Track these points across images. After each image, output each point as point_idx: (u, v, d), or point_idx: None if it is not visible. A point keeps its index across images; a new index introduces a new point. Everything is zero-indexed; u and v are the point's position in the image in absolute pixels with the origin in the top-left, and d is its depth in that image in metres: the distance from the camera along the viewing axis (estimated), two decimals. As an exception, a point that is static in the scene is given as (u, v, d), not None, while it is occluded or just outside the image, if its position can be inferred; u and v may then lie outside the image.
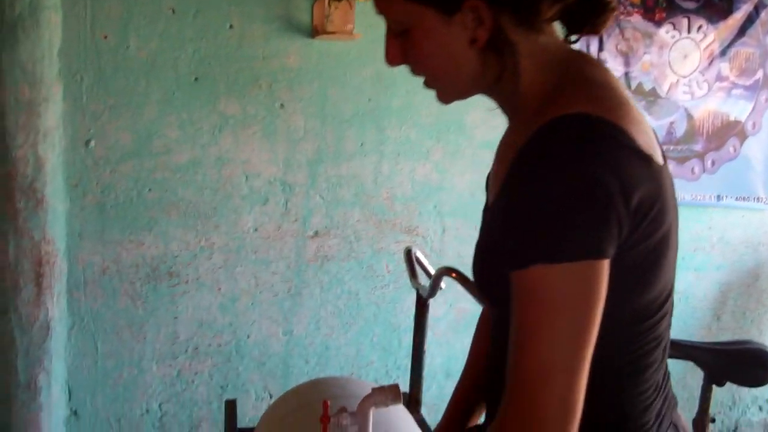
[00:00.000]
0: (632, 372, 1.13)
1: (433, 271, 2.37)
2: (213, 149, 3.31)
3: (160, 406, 3.38)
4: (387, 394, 1.48)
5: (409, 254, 2.50)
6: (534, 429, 0.97)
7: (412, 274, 2.46)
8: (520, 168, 1.03)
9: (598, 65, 1.17)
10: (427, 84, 1.23)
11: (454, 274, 2.12)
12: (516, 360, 0.99)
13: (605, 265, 0.98)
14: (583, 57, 1.17)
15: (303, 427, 1.60)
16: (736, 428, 4.36)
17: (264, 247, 3.42)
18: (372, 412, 1.50)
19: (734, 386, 4.22)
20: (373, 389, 1.48)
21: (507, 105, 1.21)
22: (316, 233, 3.48)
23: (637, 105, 3.81)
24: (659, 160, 1.09)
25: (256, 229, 3.40)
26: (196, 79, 3.25)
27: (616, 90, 1.11)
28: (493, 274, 1.12)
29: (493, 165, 1.27)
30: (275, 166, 3.39)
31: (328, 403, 1.47)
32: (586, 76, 1.11)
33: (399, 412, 1.77)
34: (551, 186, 0.97)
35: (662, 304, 1.13)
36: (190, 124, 3.26)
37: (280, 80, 3.36)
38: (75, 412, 3.29)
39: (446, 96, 1.24)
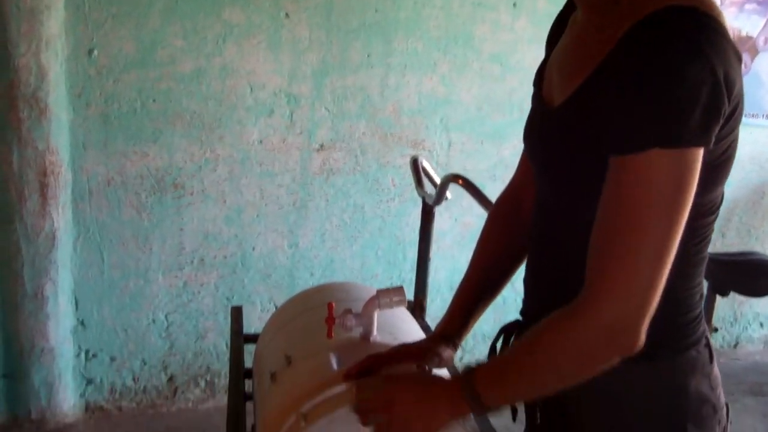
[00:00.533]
0: (693, 264, 1.18)
1: (438, 181, 2.36)
2: (217, 59, 3.26)
3: (166, 316, 3.41)
4: (392, 295, 1.49)
5: (415, 163, 2.48)
6: (621, 308, 1.00)
7: (419, 183, 2.45)
8: (633, 55, 1.02)
9: None
10: None
11: (460, 181, 2.10)
12: (615, 242, 1.01)
13: (701, 153, 1.01)
14: None
15: (309, 329, 1.62)
16: (737, 343, 4.41)
17: (269, 160, 3.40)
18: (377, 314, 1.51)
19: (736, 303, 4.26)
20: (378, 291, 1.49)
21: None
22: (322, 146, 3.45)
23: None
24: None
25: (261, 141, 3.37)
26: (199, -15, 3.19)
27: None
28: (572, 163, 1.14)
29: (563, 58, 1.24)
30: (280, 77, 3.35)
31: (333, 304, 1.48)
32: None
33: (404, 315, 1.78)
34: (671, 73, 0.98)
35: (720, 202, 1.19)
36: (194, 33, 3.20)
37: (286, -11, 3.29)
38: (82, 322, 3.32)
39: None
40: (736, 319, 4.37)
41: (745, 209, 4.23)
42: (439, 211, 2.57)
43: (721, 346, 4.35)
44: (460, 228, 3.63)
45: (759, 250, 4.20)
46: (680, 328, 1.19)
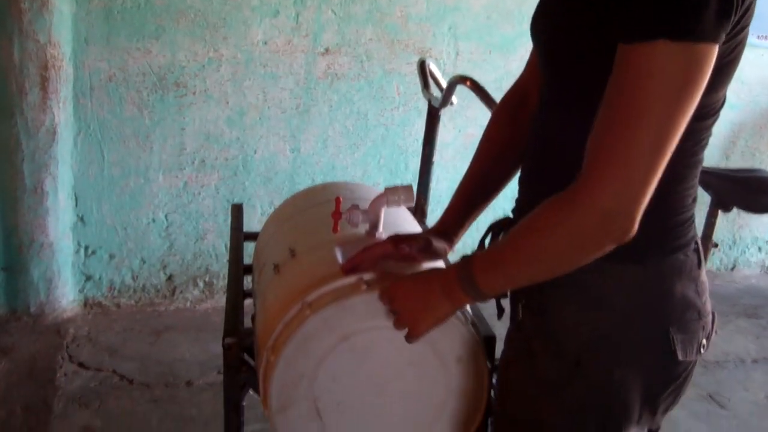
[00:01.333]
0: (688, 165, 1.16)
1: (445, 84, 2.32)
2: (220, -36, 3.19)
3: (166, 216, 3.41)
4: (400, 193, 1.47)
5: (422, 65, 2.43)
6: (616, 194, 1.00)
7: (425, 85, 2.41)
8: None
9: None
10: None
11: (468, 83, 2.06)
12: (616, 130, 1.00)
13: (715, 51, 0.99)
14: None
15: (314, 224, 1.61)
16: (734, 266, 4.43)
17: (273, 62, 3.34)
18: (384, 211, 1.50)
19: (735, 226, 4.27)
20: (386, 188, 1.48)
21: None
22: (327, 50, 3.39)
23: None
24: None
25: (265, 43, 3.31)
26: None
27: None
28: (580, 50, 1.12)
29: None
30: (287, -23, 3.27)
31: (341, 199, 1.47)
32: None
33: (408, 217, 1.77)
34: None
35: (721, 106, 1.16)
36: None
37: None
38: (81, 219, 3.32)
39: None
40: (734, 242, 4.38)
41: (751, 133, 4.19)
42: (442, 122, 2.54)
43: (718, 269, 4.38)
44: (464, 139, 3.60)
45: (763, 171, 4.20)
46: (670, 229, 1.18)
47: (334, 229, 1.47)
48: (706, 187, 2.11)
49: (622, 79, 1.00)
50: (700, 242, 1.24)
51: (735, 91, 4.06)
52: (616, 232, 1.03)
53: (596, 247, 1.05)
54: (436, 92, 2.37)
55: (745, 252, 4.42)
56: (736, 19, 1.00)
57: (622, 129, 0.99)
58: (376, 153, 3.59)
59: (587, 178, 1.02)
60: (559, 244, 1.07)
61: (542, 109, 1.27)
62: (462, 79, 2.08)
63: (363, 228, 1.50)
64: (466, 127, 3.59)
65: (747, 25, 1.07)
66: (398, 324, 1.26)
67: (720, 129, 4.07)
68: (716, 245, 2.18)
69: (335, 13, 3.36)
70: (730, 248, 4.37)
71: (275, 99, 3.37)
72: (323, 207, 1.61)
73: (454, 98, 2.18)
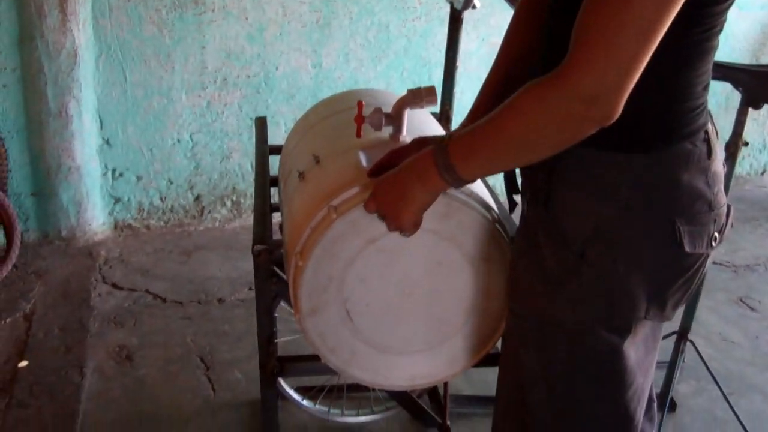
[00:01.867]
0: (699, 52, 1.12)
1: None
2: None
3: (191, 136, 3.41)
4: (423, 95, 1.45)
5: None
6: (599, 78, 0.97)
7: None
8: None
9: None
10: None
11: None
12: (600, 15, 0.97)
13: None
14: None
15: (337, 130, 1.59)
16: (764, 170, 4.37)
17: (292, -25, 3.29)
18: (407, 113, 1.48)
19: (766, 130, 4.20)
20: (409, 90, 1.46)
21: None
22: (345, -40, 3.33)
23: None
24: None
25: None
26: None
27: None
28: None
29: None
30: None
31: (363, 103, 1.45)
32: None
33: (431, 122, 1.76)
34: None
35: None
36: None
37: None
38: (107, 141, 3.32)
39: None
40: (765, 146, 4.31)
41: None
42: (466, 30, 2.48)
43: (749, 174, 4.32)
44: (487, 48, 3.54)
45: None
46: (677, 116, 1.15)
47: (358, 134, 1.45)
48: (736, 84, 2.06)
49: None
50: (712, 132, 1.20)
51: (766, -10, 3.95)
52: (596, 117, 1.00)
53: (577, 131, 1.03)
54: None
55: (776, 155, 4.37)
56: None
57: (607, 14, 0.96)
58: (399, 65, 3.54)
59: (570, 62, 0.99)
60: (540, 128, 1.04)
61: (549, 14, 1.24)
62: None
63: (387, 131, 1.49)
64: (489, 35, 3.53)
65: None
66: (386, 222, 1.25)
67: (750, 30, 3.98)
68: (746, 144, 2.12)
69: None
70: (760, 152, 4.31)
71: (295, 13, 3.32)
72: (346, 113, 1.60)
73: (476, 1, 2.13)
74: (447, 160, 1.13)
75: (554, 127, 1.03)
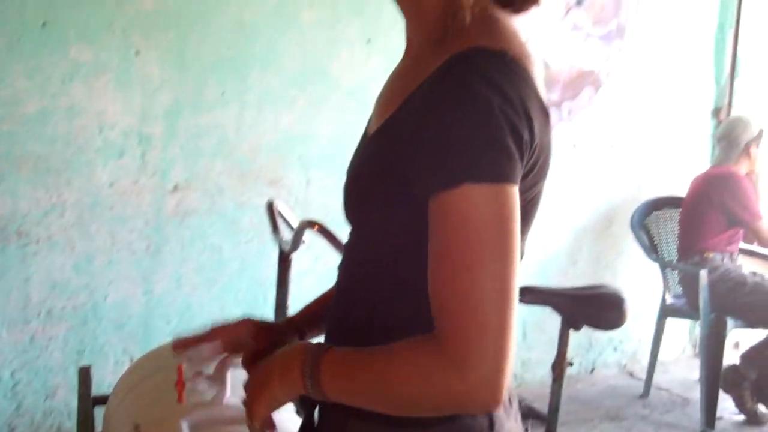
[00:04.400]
0: None
1: (296, 225, 2.32)
2: (64, 99, 3.12)
3: (12, 374, 3.20)
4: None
5: (271, 207, 2.43)
6: (480, 370, 0.95)
7: (275, 228, 2.40)
8: (440, 91, 1.00)
9: (507, 16, 1.16)
10: None
11: (316, 227, 2.07)
12: (446, 293, 0.96)
13: (517, 193, 0.98)
14: (498, 8, 1.14)
15: (159, 392, 1.54)
16: (593, 369, 4.55)
17: (120, 203, 3.27)
18: (230, 374, 1.45)
19: (591, 329, 4.41)
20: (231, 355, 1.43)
21: (418, 20, 1.15)
22: (176, 187, 3.36)
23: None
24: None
25: (111, 184, 3.24)
26: (44, 23, 3.05)
27: (523, 41, 1.11)
28: (370, 196, 1.10)
29: (383, 91, 1.22)
30: (131, 117, 3.24)
31: (183, 367, 1.42)
32: (503, 19, 1.11)
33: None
34: (477, 109, 0.96)
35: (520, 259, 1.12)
36: (38, 71, 3.06)
37: (136, 25, 3.19)
38: None
39: None
40: (591, 345, 4.51)
41: (593, 237, 4.39)
42: (300, 249, 2.52)
43: (578, 373, 4.48)
44: (322, 267, 3.59)
45: (609, 277, 4.38)
46: None
47: (179, 399, 1.41)
48: (555, 309, 2.18)
49: (439, 232, 0.98)
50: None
51: (575, 197, 4.26)
52: (482, 406, 0.98)
53: (451, 411, 1.02)
54: (287, 234, 2.36)
55: (602, 353, 4.57)
56: (527, 168, 1.01)
57: (459, 292, 0.96)
58: (233, 287, 3.52)
59: (445, 356, 0.97)
60: (413, 397, 1.00)
61: (344, 254, 1.26)
62: (310, 224, 2.09)
63: (210, 394, 1.45)
64: (323, 255, 3.56)
65: (540, 181, 1.08)
66: (245, 404, 1.17)
67: (565, 236, 4.25)
68: (571, 364, 2.22)
69: (183, 150, 3.34)
70: (587, 351, 4.50)
71: (124, 241, 3.28)
72: (169, 372, 1.55)
73: (305, 239, 2.18)
74: (317, 375, 1.06)
75: (429, 404, 1.00)
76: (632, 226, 4.18)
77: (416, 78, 1.07)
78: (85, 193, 3.20)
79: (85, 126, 3.17)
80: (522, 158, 0.99)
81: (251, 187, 3.48)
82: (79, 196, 3.20)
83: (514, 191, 0.97)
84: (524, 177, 1.01)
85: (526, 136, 0.99)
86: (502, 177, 0.96)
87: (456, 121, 0.97)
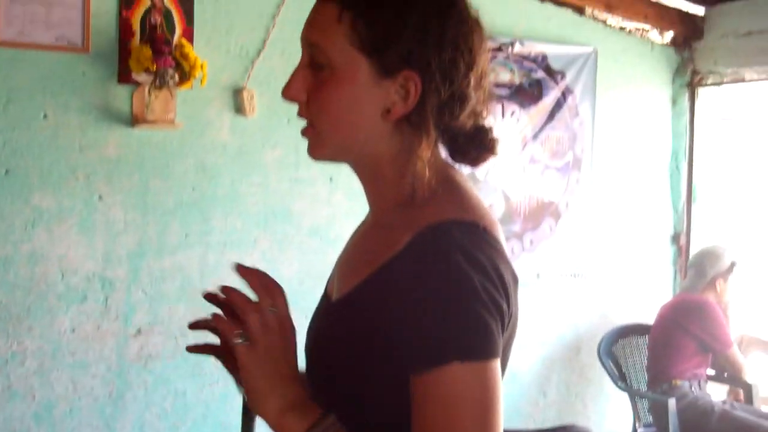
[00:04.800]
0: None
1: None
2: (25, 246, 3.11)
3: None
4: None
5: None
6: None
7: (238, 380, 2.36)
8: (424, 268, 1.01)
9: (465, 178, 1.19)
10: (307, 131, 1.14)
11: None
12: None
13: (499, 365, 1.00)
14: (460, 172, 1.19)
15: None
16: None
17: (82, 349, 3.22)
18: None
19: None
20: None
21: (383, 190, 1.16)
22: (139, 331, 3.32)
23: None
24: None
25: (73, 330, 3.20)
26: (6, 171, 3.07)
27: (487, 208, 1.15)
28: (339, 368, 1.10)
29: (348, 254, 1.22)
30: (93, 262, 3.23)
31: None
32: (469, 189, 1.14)
33: None
34: (461, 288, 0.98)
35: None
36: (0, 219, 3.06)
37: (99, 171, 3.23)
38: None
39: (322, 150, 1.15)
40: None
41: (562, 366, 4.39)
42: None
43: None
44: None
45: (579, 406, 4.36)
46: None
47: None
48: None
49: (425, 410, 0.98)
50: None
51: (542, 327, 4.28)
52: None
53: None
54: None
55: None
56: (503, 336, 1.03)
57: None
58: (198, 432, 3.45)
59: None
60: None
61: None
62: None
63: None
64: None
65: (508, 347, 1.10)
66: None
67: (534, 366, 4.24)
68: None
69: (146, 293, 3.32)
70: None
71: (86, 388, 3.21)
72: None
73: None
74: None
75: None
76: (599, 355, 4.18)
77: (385, 245, 1.08)
78: (46, 340, 3.15)
79: (48, 272, 3.15)
80: (502, 330, 1.02)
81: (216, 329, 3.44)
82: (41, 344, 3.15)
83: (497, 364, 0.99)
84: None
85: (504, 306, 1.02)
86: (488, 353, 0.98)
87: (442, 299, 0.99)
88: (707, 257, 4.17)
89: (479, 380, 0.97)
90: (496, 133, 1.17)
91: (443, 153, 1.18)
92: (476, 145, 1.16)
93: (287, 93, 1.12)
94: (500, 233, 1.11)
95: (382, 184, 1.16)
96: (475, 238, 1.04)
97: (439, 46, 1.06)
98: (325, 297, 1.25)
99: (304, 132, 1.15)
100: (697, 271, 4.14)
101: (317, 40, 1.09)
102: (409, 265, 1.03)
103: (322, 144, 1.15)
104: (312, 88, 1.10)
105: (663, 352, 4.08)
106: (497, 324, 1.00)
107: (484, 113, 1.15)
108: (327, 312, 1.21)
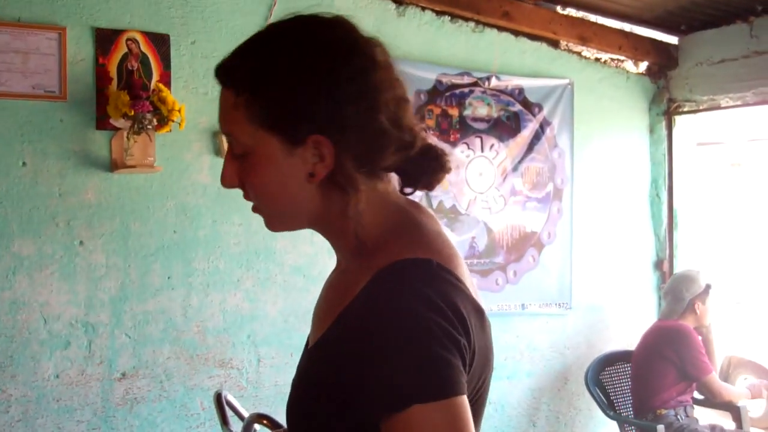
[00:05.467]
0: None
1: (246, 414, 2.28)
2: (7, 293, 3.12)
3: None
4: None
5: (219, 399, 2.39)
6: None
7: (224, 421, 2.35)
8: (375, 312, 1.02)
9: (430, 215, 1.21)
10: (257, 209, 1.19)
11: (265, 421, 2.04)
12: None
13: (466, 401, 1.00)
14: (418, 206, 1.20)
15: None
16: None
17: (67, 394, 3.21)
18: None
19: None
20: None
21: (339, 243, 1.20)
22: (124, 375, 3.31)
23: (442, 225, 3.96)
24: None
25: (57, 376, 3.20)
26: (-15, 220, 3.10)
27: (448, 240, 1.16)
28: (312, 415, 1.10)
29: (320, 302, 1.25)
30: (76, 307, 3.23)
31: None
32: (423, 224, 1.15)
33: None
34: (414, 329, 0.98)
35: None
36: (-21, 268, 3.08)
37: (79, 217, 3.25)
38: None
39: (274, 224, 1.20)
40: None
41: (551, 396, 4.38)
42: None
43: None
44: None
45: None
46: None
47: None
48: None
49: None
50: None
51: (530, 358, 4.29)
52: None
53: None
54: (237, 425, 2.32)
55: None
56: (468, 371, 1.03)
57: None
58: (186, 476, 3.43)
59: None
60: None
61: None
62: (259, 418, 2.06)
63: None
64: None
65: (478, 382, 1.09)
66: None
67: (522, 397, 4.24)
68: None
69: (129, 337, 3.32)
70: None
71: (72, 434, 3.21)
72: None
73: (257, 425, 2.14)
74: None
75: None
76: (587, 384, 4.18)
77: (347, 292, 1.10)
78: (30, 387, 3.15)
79: (30, 318, 3.16)
80: (464, 365, 1.01)
81: (201, 370, 3.45)
82: (25, 391, 3.14)
83: (462, 400, 0.99)
84: (468, 379, 1.03)
85: (463, 341, 1.01)
86: (448, 391, 0.98)
87: (395, 343, 0.99)
88: (682, 281, 4.18)
89: (444, 419, 0.97)
90: (440, 148, 1.18)
91: (396, 185, 1.20)
92: (425, 169, 1.17)
93: (223, 183, 1.17)
94: (460, 266, 1.11)
95: (337, 237, 1.19)
96: (428, 276, 1.04)
97: (338, 104, 1.08)
98: (306, 345, 1.27)
99: (254, 210, 1.20)
100: (674, 296, 4.15)
101: (228, 130, 1.14)
102: (362, 311, 1.05)
103: (271, 221, 1.20)
104: (241, 174, 1.15)
105: (645, 381, 4.07)
106: (457, 359, 1.00)
107: (416, 138, 1.16)
108: (304, 359, 1.23)
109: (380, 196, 1.15)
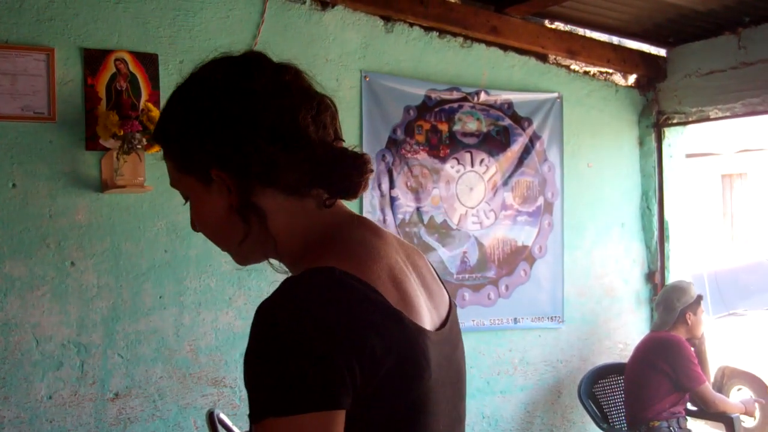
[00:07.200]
0: None
1: (239, 432, 2.29)
2: (-1, 316, 3.13)
3: None
4: None
5: (211, 417, 2.39)
6: None
7: (215, 441, 2.36)
8: (255, 322, 1.05)
9: (371, 228, 1.21)
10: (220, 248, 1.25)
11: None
12: None
13: (340, 415, 1.00)
14: (359, 221, 1.21)
15: None
16: None
17: (60, 415, 3.21)
18: None
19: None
20: None
21: (283, 262, 1.23)
22: (117, 395, 3.31)
23: (431, 240, 3.95)
24: (421, 321, 1.11)
25: (50, 397, 3.19)
26: (-24, 242, 3.10)
27: (377, 250, 1.15)
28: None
29: None
30: (68, 328, 3.23)
31: None
32: (346, 236, 1.16)
33: None
34: (277, 339, 1.00)
35: None
36: (-30, 292, 3.08)
37: (70, 238, 3.25)
38: None
39: (237, 260, 1.25)
40: None
41: (544, 410, 4.38)
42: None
43: None
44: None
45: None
46: None
47: None
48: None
49: None
50: None
51: (523, 372, 4.29)
52: None
53: None
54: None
55: None
56: (372, 380, 1.02)
57: None
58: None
59: None
60: None
61: None
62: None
63: None
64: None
65: (411, 389, 1.08)
66: None
67: (516, 411, 4.24)
68: None
69: (122, 357, 3.32)
70: None
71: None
72: None
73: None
74: None
75: None
76: (580, 397, 4.18)
77: None
78: (23, 409, 3.14)
79: (21, 340, 3.15)
80: (349, 377, 1.00)
81: (194, 389, 3.44)
82: (18, 412, 3.13)
83: (330, 416, 0.99)
84: (376, 387, 1.03)
85: (351, 353, 1.00)
86: (306, 406, 0.98)
87: (259, 357, 1.02)
88: (673, 292, 4.18)
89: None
90: (356, 152, 1.19)
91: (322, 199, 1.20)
92: (345, 178, 1.17)
93: (192, 227, 1.25)
94: (380, 277, 1.10)
95: (281, 258, 1.22)
96: (324, 284, 1.05)
97: (227, 138, 1.14)
98: None
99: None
100: (665, 307, 4.15)
101: (170, 179, 1.23)
102: (254, 322, 1.06)
103: (233, 257, 1.25)
104: (191, 216, 1.23)
105: (638, 393, 4.07)
106: (332, 373, 0.99)
107: (328, 148, 1.17)
108: None
109: (304, 214, 1.18)
